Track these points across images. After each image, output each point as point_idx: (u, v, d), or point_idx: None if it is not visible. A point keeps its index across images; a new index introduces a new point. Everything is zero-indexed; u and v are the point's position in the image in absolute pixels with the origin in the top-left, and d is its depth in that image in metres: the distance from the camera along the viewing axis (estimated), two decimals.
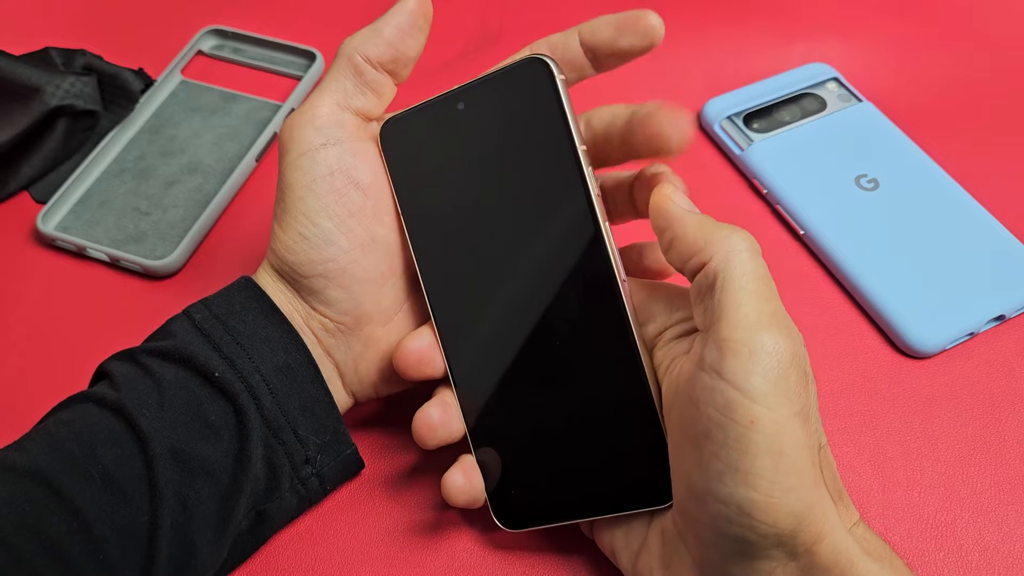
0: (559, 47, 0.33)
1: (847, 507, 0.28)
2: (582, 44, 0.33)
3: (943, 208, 0.44)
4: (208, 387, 0.31)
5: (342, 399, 0.35)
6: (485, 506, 0.33)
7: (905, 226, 0.43)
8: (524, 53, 0.34)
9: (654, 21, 0.32)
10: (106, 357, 0.33)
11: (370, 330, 0.34)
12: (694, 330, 0.29)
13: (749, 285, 0.27)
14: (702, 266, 0.28)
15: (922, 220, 0.43)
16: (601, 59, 0.33)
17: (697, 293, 0.29)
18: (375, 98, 0.34)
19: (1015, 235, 0.43)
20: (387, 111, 0.35)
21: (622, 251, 0.34)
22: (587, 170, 0.30)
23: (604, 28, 0.32)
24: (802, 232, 0.44)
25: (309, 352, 0.33)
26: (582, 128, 0.33)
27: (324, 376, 0.33)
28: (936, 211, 0.44)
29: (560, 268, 0.31)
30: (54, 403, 0.32)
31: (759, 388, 0.26)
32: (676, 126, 0.31)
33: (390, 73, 0.33)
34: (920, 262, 0.42)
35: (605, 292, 0.30)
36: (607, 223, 0.31)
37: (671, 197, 0.30)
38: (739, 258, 0.28)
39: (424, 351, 0.33)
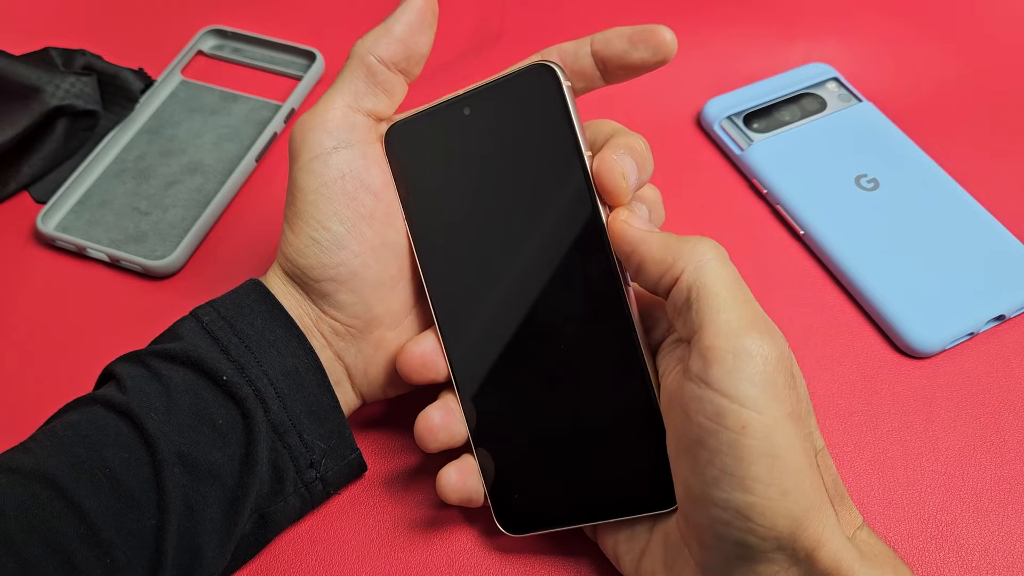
0: (570, 55, 0.33)
1: (849, 510, 0.28)
2: (593, 55, 0.33)
3: (943, 208, 0.44)
4: (216, 390, 0.31)
5: (351, 401, 0.35)
6: (486, 507, 0.33)
7: (905, 226, 0.43)
8: (534, 59, 0.34)
9: (667, 36, 0.32)
10: (106, 356, 0.33)
11: (380, 333, 0.34)
12: None
13: (724, 291, 0.27)
14: (674, 282, 0.28)
15: (922, 220, 0.43)
16: (611, 71, 0.33)
17: (674, 308, 0.29)
18: (387, 99, 0.33)
19: (1015, 235, 0.43)
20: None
21: None
22: (592, 177, 0.30)
23: (617, 40, 0.32)
24: (802, 232, 0.44)
25: (317, 357, 0.33)
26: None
27: (334, 379, 0.33)
28: (936, 211, 0.44)
29: (565, 273, 0.31)
30: (55, 403, 0.32)
31: (747, 393, 0.26)
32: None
33: (402, 72, 0.33)
34: (920, 262, 0.42)
35: (610, 298, 0.30)
36: None
37: (628, 222, 0.30)
38: (710, 267, 0.28)
39: (427, 355, 0.33)
